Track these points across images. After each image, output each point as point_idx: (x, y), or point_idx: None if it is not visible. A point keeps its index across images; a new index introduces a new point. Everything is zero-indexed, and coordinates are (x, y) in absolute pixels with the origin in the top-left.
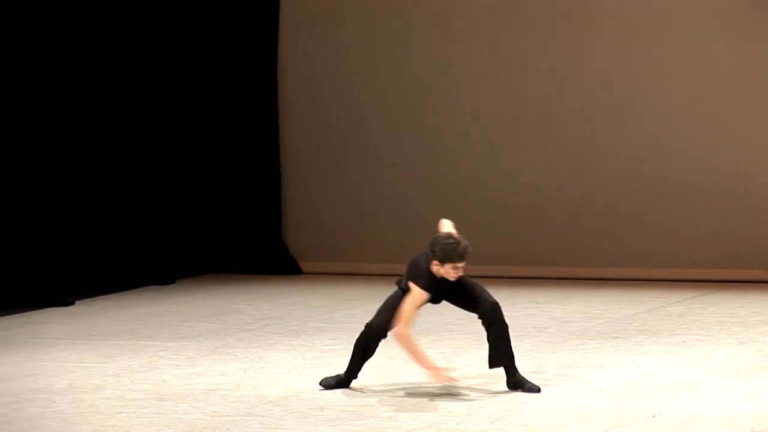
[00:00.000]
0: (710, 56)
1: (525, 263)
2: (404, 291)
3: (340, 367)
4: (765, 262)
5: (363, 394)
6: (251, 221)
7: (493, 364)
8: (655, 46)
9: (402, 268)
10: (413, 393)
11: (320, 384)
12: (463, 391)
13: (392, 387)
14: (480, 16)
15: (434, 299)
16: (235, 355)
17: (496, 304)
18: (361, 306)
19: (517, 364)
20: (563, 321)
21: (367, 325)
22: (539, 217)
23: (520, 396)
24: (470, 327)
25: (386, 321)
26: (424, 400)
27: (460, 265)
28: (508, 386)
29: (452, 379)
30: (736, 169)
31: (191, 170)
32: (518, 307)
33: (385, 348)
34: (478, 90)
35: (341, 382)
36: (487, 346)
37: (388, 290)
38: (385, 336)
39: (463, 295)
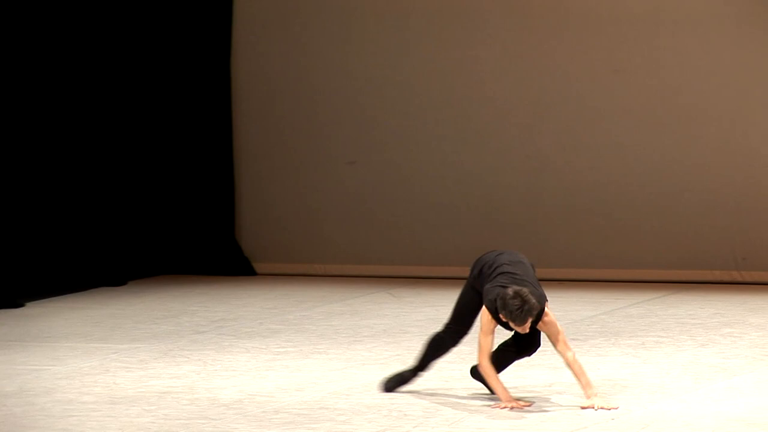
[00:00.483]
0: (671, 53)
1: None
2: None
3: (294, 369)
4: (725, 262)
5: (318, 397)
6: (204, 222)
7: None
8: (616, 43)
9: (357, 269)
10: (369, 395)
11: (384, 389)
12: (420, 394)
13: (348, 389)
14: (437, 15)
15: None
16: (188, 358)
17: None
18: (315, 308)
19: (466, 365)
20: None
21: (446, 328)
22: (498, 217)
23: (477, 399)
24: (428, 329)
25: (462, 329)
26: (381, 402)
27: (521, 326)
28: None
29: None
30: (696, 170)
31: (143, 170)
32: None
33: (340, 350)
34: (435, 89)
35: (404, 378)
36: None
37: (341, 291)
38: (456, 344)
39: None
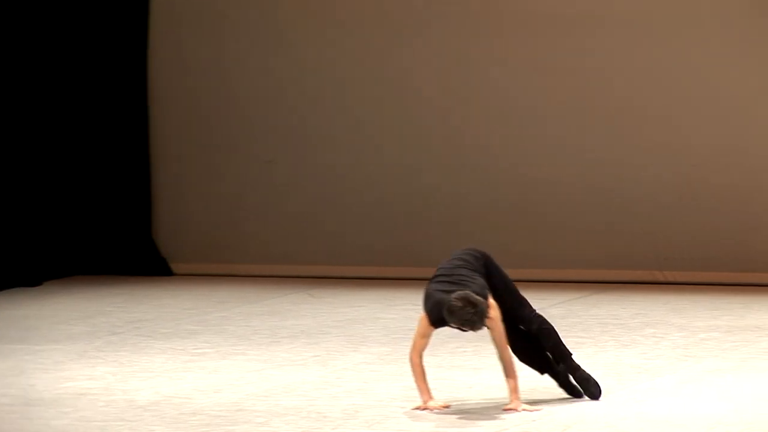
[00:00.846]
0: (598, 51)
1: (405, 263)
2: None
3: (212, 371)
4: (647, 262)
5: (236, 399)
6: (120, 221)
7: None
8: (540, 40)
9: (276, 269)
10: (288, 397)
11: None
12: (339, 396)
13: (267, 391)
14: (359, 12)
15: None
16: (105, 359)
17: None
18: (233, 308)
19: (396, 367)
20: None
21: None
22: (420, 217)
23: (396, 400)
24: (348, 330)
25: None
26: (300, 404)
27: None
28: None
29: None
30: (618, 169)
31: (58, 169)
32: (396, 309)
33: (259, 351)
34: (355, 88)
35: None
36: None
37: (260, 292)
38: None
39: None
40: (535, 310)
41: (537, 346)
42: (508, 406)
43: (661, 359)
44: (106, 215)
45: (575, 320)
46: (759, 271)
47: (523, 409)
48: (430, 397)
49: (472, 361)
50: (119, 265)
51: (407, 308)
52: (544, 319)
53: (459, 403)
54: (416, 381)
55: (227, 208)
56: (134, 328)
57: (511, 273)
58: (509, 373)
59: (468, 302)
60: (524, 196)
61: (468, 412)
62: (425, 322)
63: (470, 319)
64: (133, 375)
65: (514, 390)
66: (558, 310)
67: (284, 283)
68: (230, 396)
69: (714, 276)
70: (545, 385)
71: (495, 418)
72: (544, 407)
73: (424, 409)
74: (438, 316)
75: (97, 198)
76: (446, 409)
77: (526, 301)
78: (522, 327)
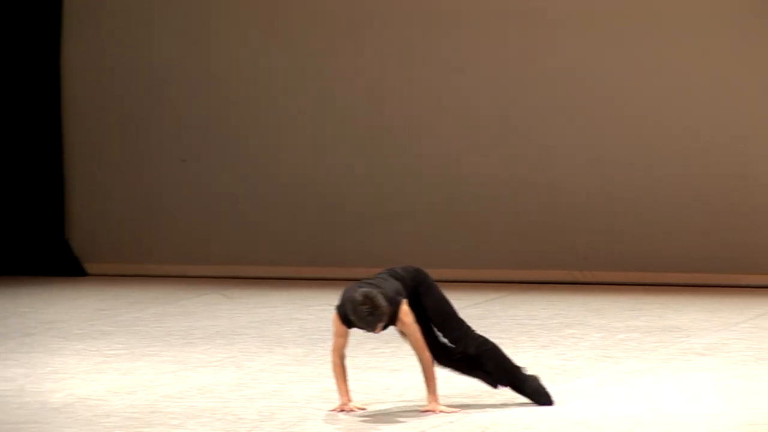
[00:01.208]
0: (497, 51)
1: (321, 264)
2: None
3: (126, 372)
4: (566, 262)
5: (150, 401)
6: (33, 221)
7: None
8: (458, 42)
9: (190, 270)
10: (203, 399)
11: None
12: (255, 398)
13: (181, 393)
14: (275, 12)
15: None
16: (17, 360)
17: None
18: (147, 309)
19: (312, 368)
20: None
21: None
22: (336, 217)
23: (314, 401)
24: (263, 331)
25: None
26: (214, 406)
27: (371, 331)
28: None
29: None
30: (536, 168)
31: None
32: (312, 310)
33: (173, 352)
34: (271, 87)
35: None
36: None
37: (174, 292)
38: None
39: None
40: (473, 332)
41: (466, 366)
42: (426, 408)
43: (580, 360)
44: (18, 215)
45: (493, 321)
46: (678, 272)
47: (441, 411)
48: (349, 399)
49: (390, 363)
50: (32, 266)
51: (323, 309)
52: (485, 340)
53: (376, 404)
54: (336, 381)
55: (141, 207)
56: (47, 329)
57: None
58: (428, 374)
59: (368, 300)
60: (443, 196)
61: (385, 414)
62: (337, 320)
63: (365, 317)
64: (46, 377)
65: (432, 391)
66: (476, 311)
67: (199, 284)
68: (144, 398)
69: (634, 276)
70: (464, 386)
71: (412, 420)
72: (463, 409)
73: (341, 410)
74: (344, 313)
75: (10, 198)
76: (363, 411)
77: (464, 323)
78: (454, 348)
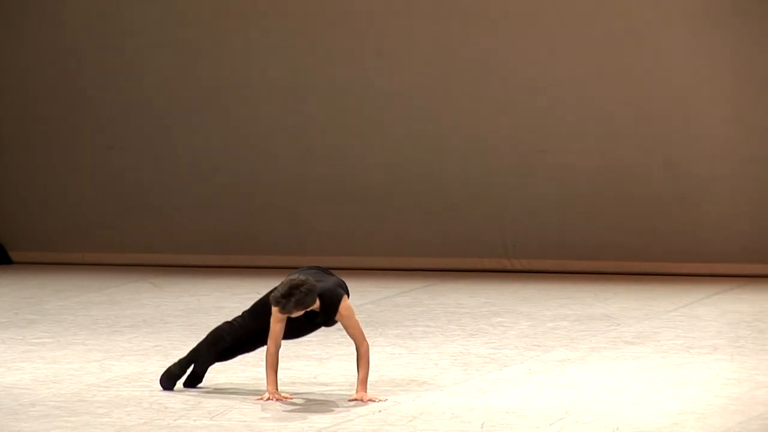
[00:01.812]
0: (415, 37)
1: (247, 252)
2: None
3: (51, 361)
4: (495, 250)
5: (76, 389)
6: None
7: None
8: (380, 27)
9: (116, 258)
10: (129, 388)
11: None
12: (181, 388)
13: (107, 381)
14: None
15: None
16: None
17: None
18: (73, 297)
19: (239, 357)
20: None
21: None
22: (259, 203)
23: (241, 390)
24: (190, 319)
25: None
26: (141, 395)
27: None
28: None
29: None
30: (463, 154)
31: None
32: (238, 298)
33: (99, 341)
34: (198, 73)
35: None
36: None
37: (100, 281)
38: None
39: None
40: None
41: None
42: (353, 397)
43: (509, 349)
44: None
45: (422, 309)
46: (608, 260)
47: (369, 399)
48: (275, 389)
49: (317, 352)
50: None
51: (250, 296)
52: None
53: (303, 394)
54: (266, 369)
55: (67, 195)
56: None
57: (354, 261)
58: (361, 364)
59: (295, 285)
60: (369, 181)
61: (312, 403)
62: (274, 309)
63: (279, 299)
64: None
65: (362, 381)
66: (404, 299)
67: (125, 272)
68: (70, 386)
69: (563, 264)
70: (393, 375)
71: (340, 410)
72: (391, 398)
73: (267, 399)
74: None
75: None
76: (289, 401)
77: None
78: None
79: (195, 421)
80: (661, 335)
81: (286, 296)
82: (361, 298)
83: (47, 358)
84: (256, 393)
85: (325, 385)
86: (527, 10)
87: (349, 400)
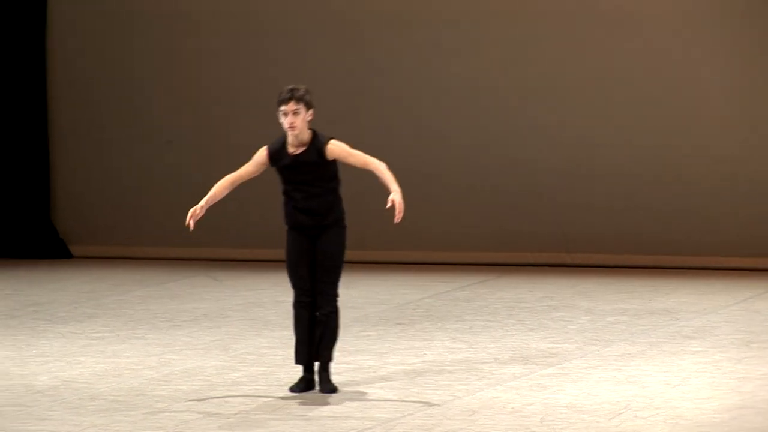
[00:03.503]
0: (482, 33)
1: None
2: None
3: (111, 355)
4: (554, 244)
5: (136, 384)
6: (19, 203)
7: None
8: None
9: (176, 252)
10: (189, 382)
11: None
12: (242, 380)
13: (167, 376)
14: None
15: (282, 173)
16: (2, 343)
17: (333, 313)
18: (133, 291)
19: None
20: (345, 306)
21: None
22: None
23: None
24: (250, 313)
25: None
26: (199, 389)
27: (284, 109)
28: (320, 390)
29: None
30: (522, 148)
31: None
32: None
33: (158, 335)
34: (249, 68)
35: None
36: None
37: (160, 275)
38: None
39: (318, 270)
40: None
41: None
42: (391, 198)
43: (569, 343)
44: (4, 198)
45: (482, 303)
46: (667, 254)
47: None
48: (201, 207)
49: (377, 346)
50: (18, 248)
51: None
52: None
53: (363, 387)
54: (212, 189)
55: (126, 189)
56: (32, 312)
57: (416, 255)
58: (385, 174)
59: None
60: (427, 177)
61: (372, 397)
62: (262, 151)
63: (283, 93)
64: (31, 359)
65: (392, 181)
66: (464, 293)
67: (184, 266)
68: (130, 381)
69: (622, 258)
70: (452, 369)
71: (400, 404)
72: (450, 392)
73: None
74: (274, 149)
75: None
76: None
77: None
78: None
79: (255, 415)
80: (721, 329)
81: (288, 90)
82: (421, 293)
83: (107, 353)
84: (315, 387)
85: (385, 379)
86: (590, 8)
87: (388, 206)
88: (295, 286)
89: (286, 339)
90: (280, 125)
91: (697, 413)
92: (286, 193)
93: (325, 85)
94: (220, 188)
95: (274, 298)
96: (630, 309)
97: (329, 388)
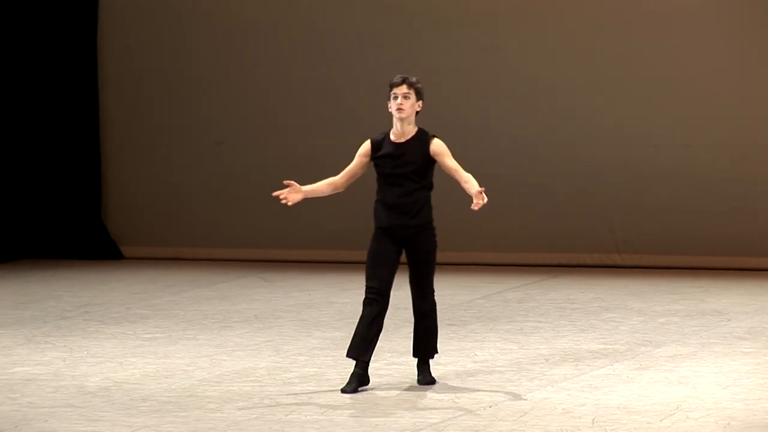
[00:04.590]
0: (535, 28)
1: (359, 247)
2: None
3: (163, 356)
4: (605, 245)
5: (187, 385)
6: (70, 204)
7: (415, 354)
8: (480, 16)
9: (227, 253)
10: (240, 383)
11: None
12: (294, 381)
13: (218, 377)
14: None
15: (381, 164)
16: (54, 344)
17: (430, 311)
18: (184, 292)
19: (340, 351)
20: (396, 307)
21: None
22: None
23: (342, 384)
24: (301, 314)
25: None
26: (252, 390)
27: (396, 91)
28: (419, 382)
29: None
30: (572, 150)
31: (8, 154)
32: (349, 293)
33: (210, 336)
34: (303, 70)
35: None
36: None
37: (210, 276)
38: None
39: (410, 267)
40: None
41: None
42: (476, 201)
43: (620, 344)
44: (56, 198)
45: (533, 304)
46: (719, 255)
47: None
48: (298, 188)
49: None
50: (69, 249)
51: (361, 292)
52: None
53: (414, 388)
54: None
55: (178, 191)
56: (84, 313)
57: (467, 256)
58: (467, 179)
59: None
60: (478, 178)
61: (423, 398)
62: (366, 144)
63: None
64: (82, 360)
65: (474, 186)
66: (515, 294)
67: (235, 267)
68: (181, 382)
69: (673, 260)
70: (503, 370)
71: (450, 405)
72: (501, 393)
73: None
74: (378, 140)
75: (48, 181)
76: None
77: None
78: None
79: (306, 416)
80: None
81: (399, 78)
82: (472, 294)
83: (158, 353)
84: (367, 387)
85: (436, 380)
86: (646, 5)
87: (474, 207)
88: (369, 286)
89: (338, 340)
90: (326, 127)
91: (748, 414)
92: (379, 191)
93: (376, 85)
94: (323, 185)
95: (326, 299)
96: (681, 310)
97: (428, 379)
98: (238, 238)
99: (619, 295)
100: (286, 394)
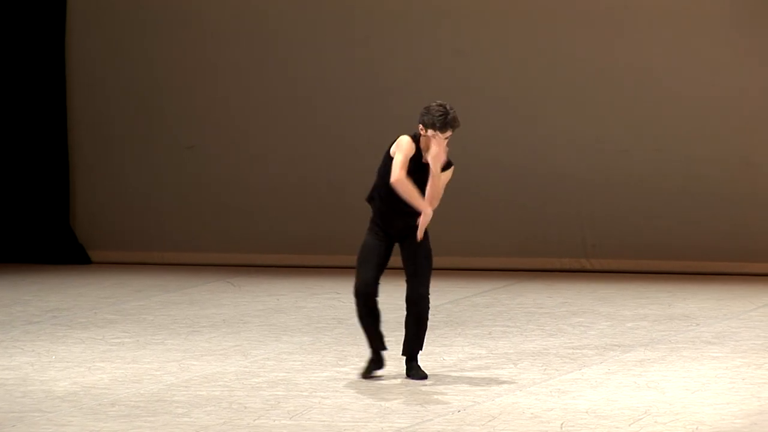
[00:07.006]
0: (499, 38)
1: (327, 252)
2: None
3: (131, 361)
4: (574, 250)
5: (155, 389)
6: (38, 208)
7: (404, 352)
8: (449, 23)
9: (195, 258)
10: (209, 388)
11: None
12: (262, 386)
13: (186, 381)
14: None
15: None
16: (22, 349)
17: (424, 298)
18: (152, 297)
19: (318, 356)
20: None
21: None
22: (340, 203)
23: (320, 390)
24: (270, 319)
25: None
26: (220, 395)
27: (445, 134)
28: (408, 375)
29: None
30: (541, 153)
31: None
32: (318, 298)
33: (178, 341)
34: (270, 74)
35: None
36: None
37: (179, 281)
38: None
39: (408, 261)
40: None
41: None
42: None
43: (588, 349)
44: (24, 203)
45: (501, 309)
46: (686, 260)
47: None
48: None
49: (395, 351)
50: (37, 254)
51: (329, 297)
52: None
53: (384, 393)
54: (409, 195)
55: (146, 195)
56: (52, 317)
57: (435, 261)
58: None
59: (443, 107)
60: (449, 184)
61: (392, 403)
62: (409, 141)
63: (440, 116)
64: (50, 365)
65: (432, 199)
66: (484, 299)
67: (204, 272)
68: (150, 386)
69: (641, 264)
70: (472, 374)
71: (419, 409)
72: (470, 398)
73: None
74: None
75: (15, 186)
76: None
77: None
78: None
79: (274, 420)
80: (741, 335)
81: (445, 112)
82: (441, 298)
83: (127, 358)
84: (336, 393)
85: (404, 385)
86: (613, 10)
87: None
88: (359, 282)
89: (306, 345)
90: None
91: (716, 419)
92: (390, 195)
93: (344, 90)
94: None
95: (294, 303)
96: (649, 314)
97: (420, 374)
98: (206, 243)
99: (587, 299)
100: (254, 399)
